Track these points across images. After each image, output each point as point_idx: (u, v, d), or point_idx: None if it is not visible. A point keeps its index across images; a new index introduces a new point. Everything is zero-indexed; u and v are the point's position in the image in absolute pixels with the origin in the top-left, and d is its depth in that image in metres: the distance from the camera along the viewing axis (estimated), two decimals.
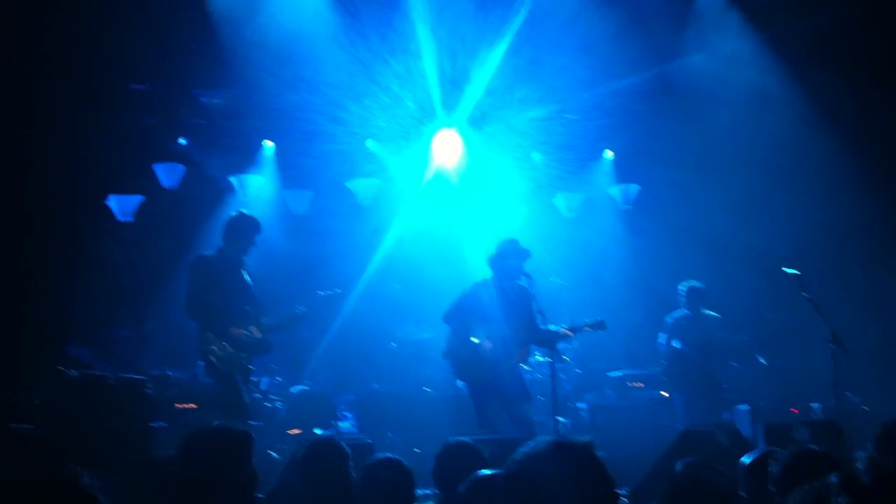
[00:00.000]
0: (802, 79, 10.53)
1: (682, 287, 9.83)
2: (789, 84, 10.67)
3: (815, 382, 9.46)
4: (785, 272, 7.56)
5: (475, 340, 7.70)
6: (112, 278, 11.08)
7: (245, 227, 7.47)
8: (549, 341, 7.79)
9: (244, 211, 7.74)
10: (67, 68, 9.68)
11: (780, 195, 11.37)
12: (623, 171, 12.57)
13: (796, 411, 9.61)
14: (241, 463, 3.33)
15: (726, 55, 10.69)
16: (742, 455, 4.46)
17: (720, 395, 9.76)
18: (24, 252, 10.42)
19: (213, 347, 7.18)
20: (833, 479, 2.05)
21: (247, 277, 7.56)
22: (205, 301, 7.24)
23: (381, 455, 4.39)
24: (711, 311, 9.85)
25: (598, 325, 8.02)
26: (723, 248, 11.36)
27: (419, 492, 4.79)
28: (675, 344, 9.67)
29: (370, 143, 11.77)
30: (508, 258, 7.85)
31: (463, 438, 4.82)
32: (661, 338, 9.87)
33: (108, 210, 11.35)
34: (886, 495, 1.96)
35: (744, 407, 9.63)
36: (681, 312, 9.84)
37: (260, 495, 6.00)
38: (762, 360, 10.47)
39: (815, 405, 9.55)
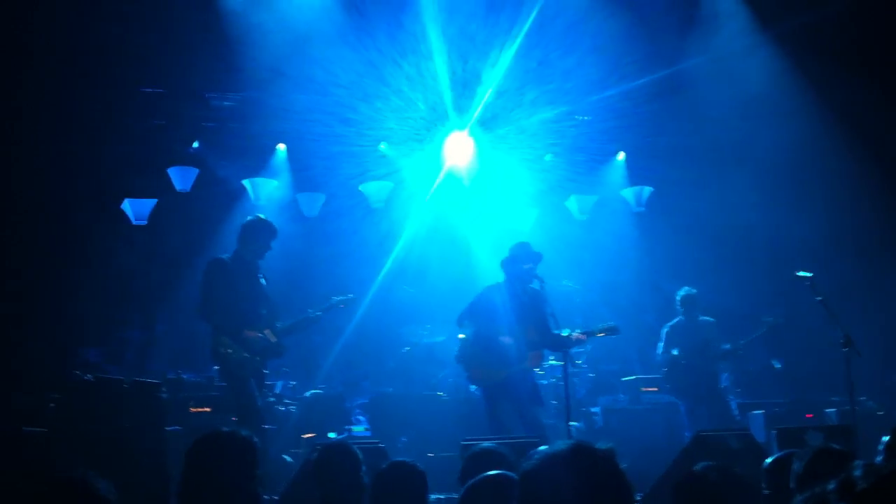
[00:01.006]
0: (811, 78, 10.47)
1: (678, 294, 9.83)
2: (798, 83, 10.61)
3: (830, 386, 9.41)
4: (798, 276, 7.50)
5: (506, 339, 7.64)
6: (123, 281, 11.12)
7: (261, 231, 7.51)
8: (561, 346, 7.76)
9: (261, 215, 7.77)
10: (79, 73, 9.72)
11: (792, 195, 11.30)
12: (635, 173, 12.51)
13: (811, 416, 9.56)
14: (246, 467, 3.34)
15: (736, 54, 10.64)
16: (754, 460, 4.44)
17: (722, 400, 9.73)
18: (35, 254, 10.47)
19: (228, 350, 7.19)
20: (831, 485, 2.04)
21: (262, 281, 7.59)
22: (220, 303, 7.26)
23: (394, 460, 4.39)
24: (708, 316, 9.81)
25: (612, 331, 7.98)
26: (735, 249, 11.31)
27: (432, 496, 4.80)
28: (673, 351, 9.66)
29: (383, 147, 11.77)
30: (520, 262, 7.81)
31: (488, 444, 4.80)
32: (659, 346, 9.86)
33: (119, 213, 11.38)
34: (883, 499, 1.94)
35: (758, 412, 9.58)
36: (675, 319, 9.84)
37: (273, 497, 6.04)
38: (776, 364, 10.41)
39: (829, 410, 9.50)
